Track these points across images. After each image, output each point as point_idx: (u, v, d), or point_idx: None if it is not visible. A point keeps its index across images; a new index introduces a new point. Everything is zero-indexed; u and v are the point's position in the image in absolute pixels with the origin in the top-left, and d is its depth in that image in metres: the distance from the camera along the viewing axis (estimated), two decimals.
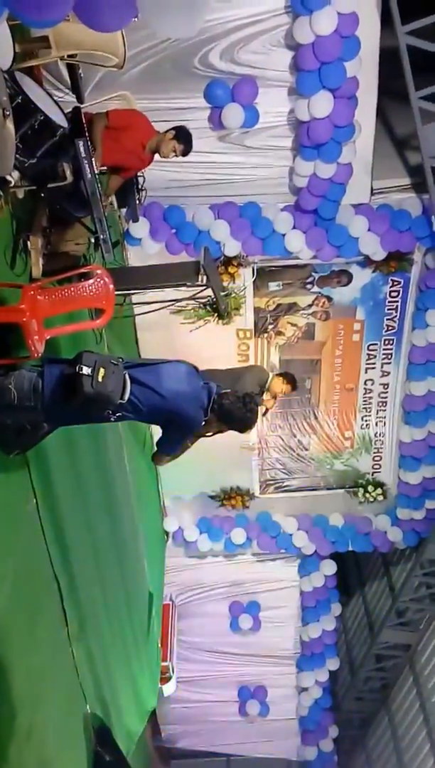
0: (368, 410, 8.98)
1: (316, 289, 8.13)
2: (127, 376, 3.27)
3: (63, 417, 3.39)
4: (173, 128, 5.04)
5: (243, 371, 6.23)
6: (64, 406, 3.22)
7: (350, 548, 9.73)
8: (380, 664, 10.57)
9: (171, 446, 3.65)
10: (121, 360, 3.35)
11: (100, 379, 3.09)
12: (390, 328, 8.35)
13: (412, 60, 6.11)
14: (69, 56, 4.55)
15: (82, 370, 3.08)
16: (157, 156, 5.12)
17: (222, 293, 6.42)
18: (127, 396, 3.25)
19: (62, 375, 3.18)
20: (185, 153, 5.09)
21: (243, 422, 3.64)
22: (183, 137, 5.02)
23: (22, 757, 3.97)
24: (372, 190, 7.37)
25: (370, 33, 6.19)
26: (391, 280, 8.01)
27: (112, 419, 3.39)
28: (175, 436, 3.60)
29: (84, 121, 4.20)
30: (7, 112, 3.23)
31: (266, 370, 7.01)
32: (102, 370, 3.10)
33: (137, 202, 5.89)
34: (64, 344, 5.01)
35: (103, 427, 6.33)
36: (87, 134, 4.20)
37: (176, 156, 5.05)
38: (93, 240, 4.90)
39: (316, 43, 6.02)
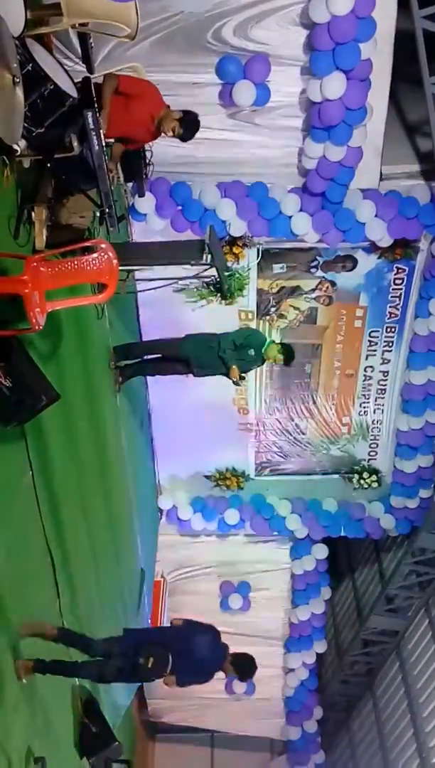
0: (367, 397, 8.97)
1: (320, 273, 8.08)
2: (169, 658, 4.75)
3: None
4: (186, 111, 4.96)
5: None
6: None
7: (343, 533, 9.76)
8: (367, 649, 10.65)
9: (182, 681, 5.07)
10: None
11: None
12: (392, 315, 8.31)
13: (428, 45, 6.03)
14: (80, 25, 4.49)
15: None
16: None
17: (226, 273, 6.39)
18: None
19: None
20: (183, 138, 4.98)
21: (243, 673, 5.49)
22: (187, 122, 4.92)
23: (10, 727, 4.00)
24: (381, 175, 7.30)
25: (386, 15, 6.09)
26: (396, 267, 7.96)
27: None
28: (191, 678, 5.18)
29: (93, 90, 4.14)
30: (17, 79, 3.18)
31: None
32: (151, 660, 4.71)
33: (144, 176, 5.83)
34: (65, 319, 4.99)
35: (101, 404, 6.33)
36: (95, 98, 4.13)
37: (173, 136, 4.96)
38: (98, 213, 4.86)
39: (332, 23, 5.92)
